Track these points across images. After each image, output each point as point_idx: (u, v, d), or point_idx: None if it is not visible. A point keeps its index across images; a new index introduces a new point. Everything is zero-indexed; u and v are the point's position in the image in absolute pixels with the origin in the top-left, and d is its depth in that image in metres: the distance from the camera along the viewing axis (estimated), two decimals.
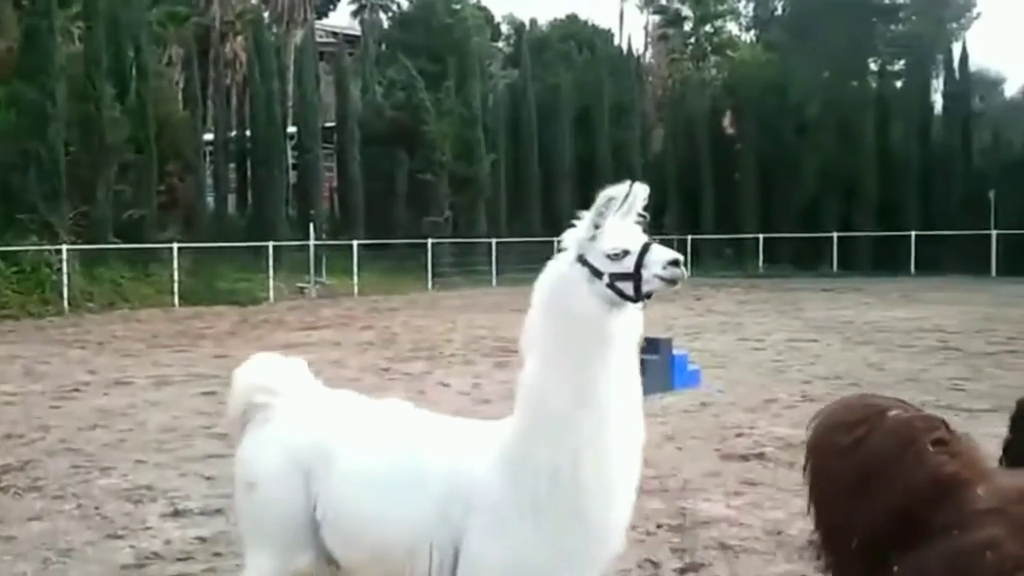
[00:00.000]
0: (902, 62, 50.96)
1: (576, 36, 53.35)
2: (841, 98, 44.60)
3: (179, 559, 6.01)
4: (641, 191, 3.16)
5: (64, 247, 25.10)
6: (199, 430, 9.92)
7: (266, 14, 47.06)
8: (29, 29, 26.78)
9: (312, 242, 32.20)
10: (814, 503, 2.29)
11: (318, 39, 46.07)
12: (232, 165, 38.91)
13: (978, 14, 57.94)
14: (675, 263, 3.06)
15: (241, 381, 3.95)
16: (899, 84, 49.12)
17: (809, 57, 46.65)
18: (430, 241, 35.03)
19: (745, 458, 8.52)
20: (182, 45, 40.72)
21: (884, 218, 41.59)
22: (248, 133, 37.69)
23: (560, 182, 41.69)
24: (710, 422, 10.19)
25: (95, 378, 13.83)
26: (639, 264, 3.05)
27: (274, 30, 46.34)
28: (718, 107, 49.00)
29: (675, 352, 12.25)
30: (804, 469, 2.27)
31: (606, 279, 3.07)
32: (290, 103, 40.91)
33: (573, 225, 3.21)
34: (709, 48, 60.75)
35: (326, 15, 57.22)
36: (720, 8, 61.81)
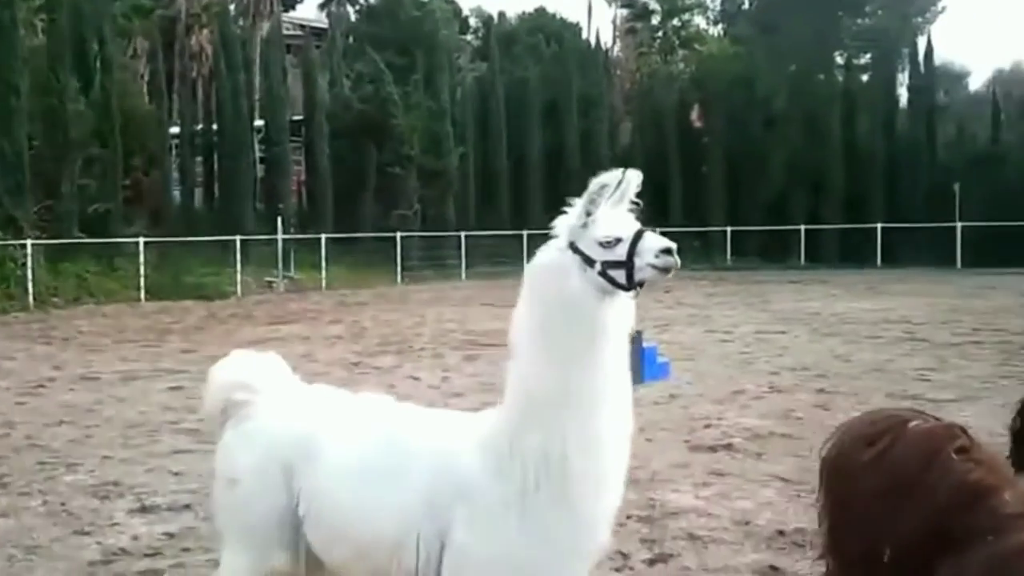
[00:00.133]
0: (868, 56, 51.22)
1: (544, 29, 53.30)
2: (808, 91, 44.86)
3: (147, 555, 5.97)
4: (634, 178, 3.13)
5: (29, 242, 24.83)
6: (166, 425, 9.87)
7: (232, 6, 46.57)
8: None
9: (280, 236, 32.06)
10: (835, 521, 2.27)
11: (285, 32, 45.75)
12: (199, 158, 38.61)
13: (943, 8, 58.40)
14: (668, 251, 3.04)
15: (219, 378, 3.91)
16: (865, 78, 49.38)
17: (776, 51, 46.88)
18: (399, 235, 34.92)
19: (713, 449, 8.58)
20: (147, 38, 40.41)
21: (850, 211, 41.88)
22: (215, 126, 37.50)
23: (529, 175, 41.77)
24: (679, 414, 10.25)
25: (61, 374, 13.72)
26: (632, 252, 3.02)
27: (240, 23, 45.90)
28: (686, 100, 49.06)
29: (645, 345, 12.29)
30: (820, 488, 2.26)
31: (598, 267, 3.02)
32: (257, 96, 40.61)
33: (549, 217, 3.16)
34: (677, 42, 60.89)
35: (293, 7, 56.66)
36: (688, 2, 61.97)
